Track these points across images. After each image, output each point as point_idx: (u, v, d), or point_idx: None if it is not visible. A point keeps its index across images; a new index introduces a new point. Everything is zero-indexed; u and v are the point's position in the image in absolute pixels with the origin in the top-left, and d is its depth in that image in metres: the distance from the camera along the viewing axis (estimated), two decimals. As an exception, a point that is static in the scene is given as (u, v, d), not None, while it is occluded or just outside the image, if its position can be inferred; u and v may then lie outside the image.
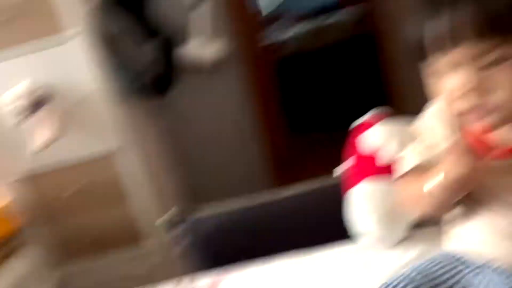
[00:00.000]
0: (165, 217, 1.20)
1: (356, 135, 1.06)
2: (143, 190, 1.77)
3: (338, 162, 1.11)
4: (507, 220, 0.60)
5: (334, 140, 1.28)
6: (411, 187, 0.65)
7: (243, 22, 2.37)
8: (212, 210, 1.20)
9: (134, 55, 1.73)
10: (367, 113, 1.13)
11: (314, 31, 3.75)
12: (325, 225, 1.09)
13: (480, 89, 0.52)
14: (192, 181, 2.30)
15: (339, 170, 1.10)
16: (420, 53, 0.58)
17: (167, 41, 1.96)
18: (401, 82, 2.87)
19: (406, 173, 0.66)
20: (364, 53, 3.35)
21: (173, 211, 1.21)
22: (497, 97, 0.52)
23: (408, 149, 0.69)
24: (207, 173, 2.32)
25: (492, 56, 0.51)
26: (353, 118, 1.13)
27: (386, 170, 0.92)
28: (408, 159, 0.67)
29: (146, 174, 1.79)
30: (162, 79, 1.95)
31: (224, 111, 2.26)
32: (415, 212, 0.66)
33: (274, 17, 4.67)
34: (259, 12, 4.62)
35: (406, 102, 2.82)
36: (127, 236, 1.78)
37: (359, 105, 1.46)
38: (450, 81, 0.55)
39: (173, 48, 1.99)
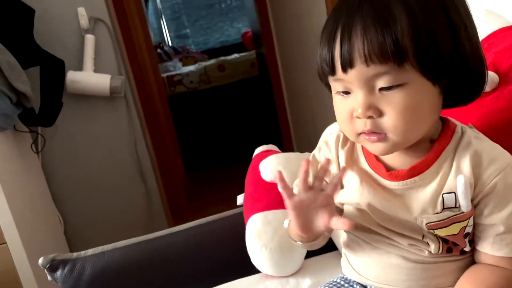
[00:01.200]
0: (44, 260, 1.06)
1: (253, 167, 1.07)
2: (22, 233, 1.56)
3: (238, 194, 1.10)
4: (385, 249, 0.62)
5: (232, 174, 1.27)
6: None
7: (138, 54, 2.31)
8: (101, 249, 1.08)
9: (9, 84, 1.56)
10: (261, 146, 1.14)
11: (213, 68, 3.80)
12: (225, 257, 1.04)
13: (371, 112, 0.53)
14: (76, 224, 2.10)
15: (240, 199, 1.09)
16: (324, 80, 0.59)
17: (54, 69, 1.82)
18: (291, 121, 3.04)
19: None
20: (261, 92, 3.49)
21: (54, 255, 1.07)
22: (387, 120, 0.53)
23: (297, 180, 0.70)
24: (94, 214, 2.14)
25: (383, 81, 0.52)
26: (249, 153, 1.13)
27: (281, 200, 0.92)
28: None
29: (23, 218, 1.59)
30: (43, 109, 1.79)
31: (114, 146, 2.13)
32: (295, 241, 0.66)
33: (174, 51, 4.67)
34: (158, 45, 4.60)
35: (298, 138, 2.98)
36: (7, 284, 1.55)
37: (254, 141, 1.49)
38: (345, 104, 0.56)
39: (60, 76, 1.85)
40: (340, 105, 0.57)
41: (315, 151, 0.70)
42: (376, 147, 0.56)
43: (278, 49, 2.93)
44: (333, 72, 0.55)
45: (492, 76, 0.78)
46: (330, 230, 0.59)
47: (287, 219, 0.65)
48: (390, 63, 0.50)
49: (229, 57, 4.00)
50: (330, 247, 1.01)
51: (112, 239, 1.26)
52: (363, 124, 0.54)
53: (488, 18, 0.89)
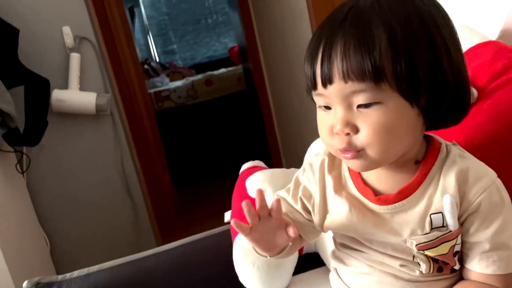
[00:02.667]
0: (29, 284, 1.04)
1: (240, 183, 1.06)
2: (7, 255, 1.53)
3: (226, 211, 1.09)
4: (377, 267, 0.62)
5: (221, 190, 1.27)
6: None
7: (125, 71, 2.31)
8: (87, 271, 1.07)
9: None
10: (247, 163, 1.14)
11: (201, 83, 3.81)
12: (212, 275, 1.04)
13: (348, 129, 0.53)
14: (63, 244, 2.07)
15: (227, 216, 1.08)
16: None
17: (38, 88, 1.81)
18: (279, 135, 3.05)
19: None
20: (248, 107, 3.50)
21: (39, 278, 1.05)
22: (361, 137, 0.53)
23: (280, 191, 0.71)
24: (81, 234, 2.10)
25: (360, 98, 0.52)
26: (238, 168, 1.13)
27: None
28: None
29: (7, 240, 1.56)
30: (28, 129, 1.77)
31: (101, 164, 2.11)
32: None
33: (161, 67, 4.68)
34: (145, 61, 4.60)
35: (286, 152, 2.99)
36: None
37: (242, 156, 1.49)
38: (327, 119, 0.57)
39: (45, 95, 1.84)
40: (323, 119, 0.58)
41: (299, 173, 0.69)
42: (353, 164, 0.56)
43: (265, 63, 2.96)
44: (314, 87, 0.56)
45: (471, 91, 0.79)
46: (291, 240, 0.62)
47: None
48: (367, 82, 0.51)
49: (216, 72, 4.02)
50: (317, 263, 1.01)
51: (100, 258, 1.24)
52: (341, 141, 0.55)
53: (466, 34, 0.91)
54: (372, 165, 0.56)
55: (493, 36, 0.93)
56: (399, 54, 0.50)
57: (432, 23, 0.53)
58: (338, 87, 0.53)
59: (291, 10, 2.17)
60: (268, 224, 0.59)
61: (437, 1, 0.56)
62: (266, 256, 0.64)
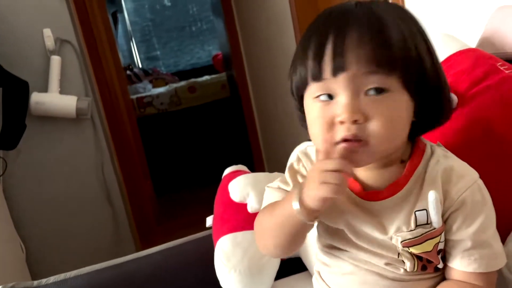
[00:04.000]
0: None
1: (222, 187, 1.06)
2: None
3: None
4: (362, 266, 0.62)
5: (203, 197, 1.25)
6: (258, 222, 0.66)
7: (106, 75, 2.28)
8: (63, 277, 1.04)
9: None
10: (230, 167, 1.14)
11: (184, 89, 3.79)
12: (193, 281, 1.02)
13: (358, 115, 0.53)
14: (39, 251, 2.02)
15: (209, 221, 1.07)
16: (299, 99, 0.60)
17: (16, 90, 1.77)
18: (262, 142, 3.05)
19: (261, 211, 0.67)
20: (232, 114, 3.49)
21: (13, 284, 1.02)
22: (372, 126, 0.53)
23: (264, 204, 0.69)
24: (58, 240, 2.05)
25: (371, 82, 0.53)
26: (221, 175, 1.12)
27: (250, 220, 0.92)
28: (265, 198, 0.67)
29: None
30: (5, 132, 1.73)
31: (80, 169, 2.07)
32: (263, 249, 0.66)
33: (144, 73, 4.65)
34: (128, 67, 4.56)
35: (269, 159, 2.99)
36: None
37: (225, 163, 1.48)
38: (326, 110, 0.55)
39: (23, 98, 1.80)
40: (319, 112, 0.55)
41: (294, 163, 0.68)
42: (353, 157, 0.54)
43: (248, 71, 2.96)
44: (319, 76, 0.54)
45: (451, 97, 0.81)
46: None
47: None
48: (380, 69, 0.52)
49: (199, 79, 4.01)
50: (299, 267, 1.01)
51: (77, 266, 1.21)
52: (346, 129, 0.53)
53: (446, 42, 0.93)
54: (373, 158, 0.56)
55: (473, 44, 0.95)
56: (410, 50, 0.54)
57: (422, 29, 0.57)
58: (349, 73, 0.52)
59: (275, 18, 2.18)
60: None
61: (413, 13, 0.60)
62: (314, 221, 0.58)
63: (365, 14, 0.55)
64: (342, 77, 0.53)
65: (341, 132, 0.53)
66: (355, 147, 0.53)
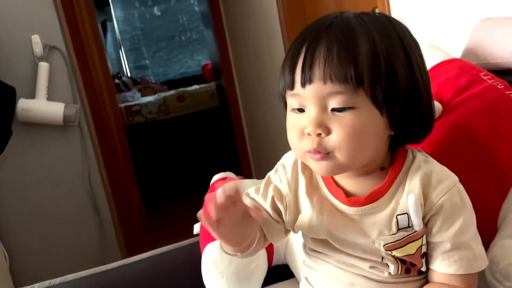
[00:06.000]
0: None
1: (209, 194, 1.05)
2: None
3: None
4: (347, 270, 0.63)
5: (191, 207, 1.25)
6: None
7: (95, 83, 2.27)
8: (48, 284, 1.02)
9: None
10: (218, 174, 1.14)
11: (173, 98, 3.78)
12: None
13: (321, 129, 0.55)
14: (23, 260, 1.98)
15: (197, 228, 1.06)
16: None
17: (2, 96, 1.76)
18: (251, 152, 3.05)
19: None
20: (220, 123, 3.50)
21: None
22: (333, 138, 0.55)
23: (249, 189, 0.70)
24: (43, 249, 2.02)
25: (336, 101, 0.54)
26: (207, 186, 1.12)
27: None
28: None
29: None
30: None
31: (66, 177, 2.05)
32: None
33: (133, 82, 4.64)
34: (116, 75, 4.55)
35: (257, 169, 2.99)
36: None
37: (214, 172, 1.47)
38: (298, 121, 0.58)
39: (10, 104, 1.79)
40: (293, 122, 0.59)
41: (271, 173, 0.70)
42: (320, 166, 0.57)
43: (238, 80, 2.98)
44: (291, 87, 0.57)
45: (436, 106, 0.82)
46: (258, 226, 0.60)
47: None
48: (346, 85, 0.53)
49: (189, 88, 4.01)
50: (287, 275, 1.01)
51: (62, 275, 1.19)
52: (311, 141, 0.56)
53: (431, 52, 0.95)
54: (338, 169, 0.58)
55: (457, 54, 0.97)
56: (380, 65, 0.54)
57: (406, 42, 0.57)
58: (316, 87, 0.54)
59: (264, 29, 2.20)
60: (234, 215, 0.56)
61: (405, 24, 0.60)
62: (236, 255, 0.63)
63: (338, 28, 0.55)
64: (309, 90, 0.55)
65: (308, 143, 0.56)
66: (321, 158, 0.56)
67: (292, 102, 0.59)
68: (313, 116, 0.55)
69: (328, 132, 0.55)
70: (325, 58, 0.53)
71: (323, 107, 0.55)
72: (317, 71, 0.54)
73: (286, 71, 0.57)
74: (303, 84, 0.55)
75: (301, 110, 0.58)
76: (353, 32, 0.54)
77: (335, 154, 0.56)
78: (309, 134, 0.56)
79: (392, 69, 0.54)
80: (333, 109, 0.55)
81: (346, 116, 0.54)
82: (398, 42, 0.56)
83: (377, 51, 0.53)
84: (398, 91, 0.55)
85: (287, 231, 0.68)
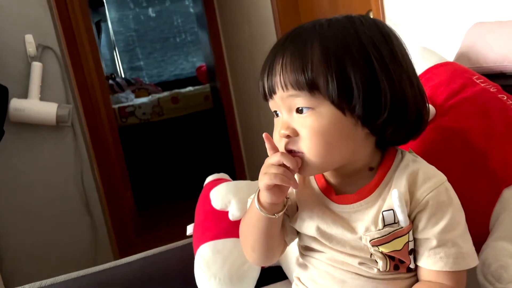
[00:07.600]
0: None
1: (204, 195, 1.05)
2: None
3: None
4: (338, 267, 0.63)
5: (185, 209, 1.24)
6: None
7: (88, 83, 2.26)
8: (38, 285, 1.01)
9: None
10: (212, 175, 1.13)
11: (167, 100, 3.77)
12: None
13: (288, 131, 0.59)
14: (15, 261, 1.96)
15: (190, 229, 1.06)
16: None
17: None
18: (245, 153, 3.05)
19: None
20: (214, 125, 3.49)
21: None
22: (301, 140, 0.60)
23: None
24: (34, 250, 2.00)
25: (297, 103, 0.58)
26: (201, 189, 1.12)
27: (231, 228, 0.92)
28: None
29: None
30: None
31: (59, 178, 2.03)
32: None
33: (126, 83, 4.62)
34: (110, 76, 4.53)
35: (251, 171, 2.99)
36: None
37: (208, 174, 1.47)
38: (277, 124, 0.63)
39: (2, 104, 1.77)
40: (275, 124, 0.64)
41: None
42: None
43: (232, 82, 2.98)
44: (265, 97, 0.63)
45: (430, 109, 0.83)
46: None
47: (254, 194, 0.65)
48: (302, 91, 0.57)
49: (183, 90, 4.01)
50: (280, 276, 1.00)
51: (53, 276, 1.18)
52: (284, 143, 0.60)
53: (424, 55, 0.95)
54: (313, 169, 0.60)
55: (450, 58, 0.98)
56: (331, 68, 0.56)
57: (369, 41, 0.57)
58: (280, 96, 0.59)
59: (259, 31, 2.21)
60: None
61: (380, 24, 0.61)
62: (274, 216, 0.63)
63: (291, 39, 0.59)
64: (276, 97, 0.60)
65: (282, 144, 0.61)
66: (290, 158, 0.59)
67: (270, 106, 0.64)
68: (282, 119, 0.61)
69: (296, 133, 0.59)
70: (281, 70, 0.58)
71: (289, 110, 0.60)
72: (277, 83, 0.59)
73: (260, 83, 0.63)
74: (270, 95, 0.61)
75: (277, 114, 0.63)
76: (305, 42, 0.58)
77: (305, 154, 0.59)
78: (281, 136, 0.60)
79: (345, 70, 0.56)
80: (297, 111, 0.59)
81: (308, 117, 0.58)
82: (355, 41, 0.57)
83: (329, 55, 0.56)
84: (353, 90, 0.56)
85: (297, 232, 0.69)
